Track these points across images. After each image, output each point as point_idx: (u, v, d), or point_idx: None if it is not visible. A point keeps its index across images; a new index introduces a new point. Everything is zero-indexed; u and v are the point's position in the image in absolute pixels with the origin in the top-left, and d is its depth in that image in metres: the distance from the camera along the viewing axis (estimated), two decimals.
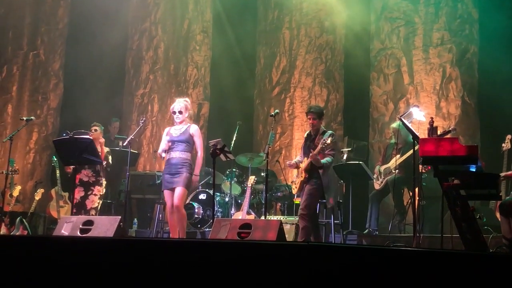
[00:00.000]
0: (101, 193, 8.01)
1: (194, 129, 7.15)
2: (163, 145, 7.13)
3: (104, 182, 8.12)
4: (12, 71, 11.05)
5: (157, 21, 11.83)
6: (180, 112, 7.13)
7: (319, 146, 6.82)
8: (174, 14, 11.81)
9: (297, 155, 10.84)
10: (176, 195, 6.87)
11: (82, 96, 11.09)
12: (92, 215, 7.60)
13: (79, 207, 7.77)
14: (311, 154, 6.90)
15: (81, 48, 11.19)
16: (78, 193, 7.83)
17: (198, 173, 7.09)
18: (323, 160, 6.90)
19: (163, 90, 11.61)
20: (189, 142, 7.06)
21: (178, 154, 7.00)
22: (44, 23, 11.36)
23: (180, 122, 7.15)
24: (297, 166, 7.24)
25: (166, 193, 7.00)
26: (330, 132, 7.08)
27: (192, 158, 7.14)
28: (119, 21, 11.41)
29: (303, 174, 7.01)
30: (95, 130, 8.19)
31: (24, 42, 11.19)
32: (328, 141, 6.71)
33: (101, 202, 8.04)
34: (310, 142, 7.13)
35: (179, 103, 7.19)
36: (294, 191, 7.40)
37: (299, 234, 7.02)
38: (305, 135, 7.38)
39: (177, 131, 7.13)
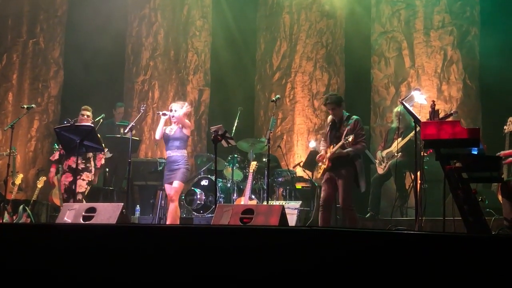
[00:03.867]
0: (89, 179, 7.88)
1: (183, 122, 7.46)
2: (159, 131, 7.46)
3: (93, 169, 7.98)
4: (12, 59, 11.03)
5: (157, 7, 11.78)
6: (176, 111, 7.43)
7: (338, 146, 6.71)
8: (174, 0, 11.75)
9: (298, 140, 10.94)
10: (172, 189, 7.29)
11: (83, 83, 11.07)
12: (78, 199, 7.52)
13: (69, 192, 7.68)
14: (331, 153, 6.78)
15: (80, 35, 11.14)
16: (67, 178, 7.76)
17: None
18: (351, 149, 6.70)
19: (163, 76, 11.59)
20: (183, 138, 7.44)
21: (174, 152, 7.39)
22: (43, 10, 11.31)
23: (174, 122, 7.46)
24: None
25: (167, 186, 7.42)
26: (354, 118, 6.87)
27: (187, 154, 7.57)
28: (118, 7, 11.35)
29: (327, 162, 6.85)
30: (87, 117, 8.05)
31: (23, 30, 11.16)
32: (350, 140, 6.63)
33: (88, 188, 7.90)
34: (335, 131, 6.93)
35: (177, 104, 7.61)
36: (318, 175, 7.33)
37: (321, 224, 6.83)
38: (329, 122, 7.12)
39: (172, 129, 7.46)
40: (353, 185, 6.89)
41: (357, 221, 6.95)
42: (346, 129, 6.74)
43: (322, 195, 6.93)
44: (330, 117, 7.13)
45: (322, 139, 7.30)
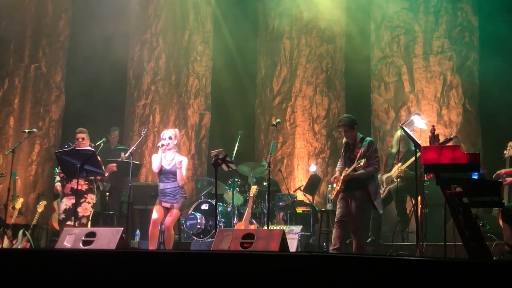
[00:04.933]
0: (94, 202, 7.74)
1: (180, 160, 7.38)
2: (156, 161, 7.39)
3: (96, 191, 7.85)
4: (14, 83, 11.09)
5: (158, 32, 11.87)
6: (170, 138, 7.41)
7: (351, 169, 6.73)
8: (175, 25, 11.85)
9: (299, 164, 10.94)
10: (170, 217, 7.26)
11: (84, 108, 11.10)
12: (83, 223, 7.44)
13: (70, 214, 7.49)
14: (345, 175, 6.81)
15: (82, 59, 11.21)
16: (70, 201, 7.55)
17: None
18: (363, 171, 6.71)
19: (164, 100, 11.64)
20: (177, 173, 7.36)
21: (170, 185, 7.36)
22: (45, 35, 11.41)
23: (169, 149, 7.40)
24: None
25: (159, 207, 7.33)
26: (368, 140, 6.88)
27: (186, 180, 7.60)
28: (120, 32, 11.44)
29: (340, 184, 6.87)
30: (83, 139, 7.91)
31: (25, 54, 11.24)
32: (362, 163, 6.62)
33: (92, 211, 7.77)
34: (350, 153, 6.96)
35: (169, 131, 7.57)
36: (332, 196, 7.34)
37: (335, 241, 6.80)
38: (344, 144, 7.18)
39: (167, 161, 7.40)
40: (369, 207, 6.91)
41: (363, 246, 6.92)
42: (360, 151, 6.77)
43: (337, 212, 6.95)
44: (344, 139, 7.17)
45: (339, 160, 7.31)
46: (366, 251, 6.99)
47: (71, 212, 7.48)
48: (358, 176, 6.75)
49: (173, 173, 7.32)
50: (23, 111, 11.06)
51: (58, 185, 7.93)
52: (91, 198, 7.67)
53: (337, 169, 7.24)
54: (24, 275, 3.92)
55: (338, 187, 6.90)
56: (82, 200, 7.51)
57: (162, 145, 7.32)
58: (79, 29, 11.57)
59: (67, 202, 7.60)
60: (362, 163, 6.63)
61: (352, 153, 6.90)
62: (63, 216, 7.58)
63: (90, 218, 7.71)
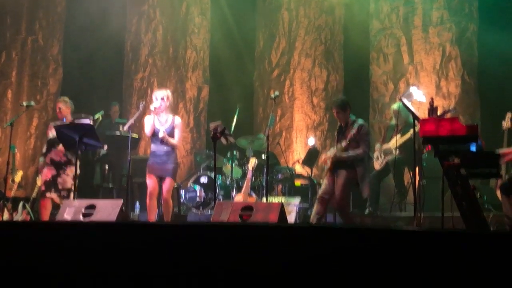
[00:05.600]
0: (74, 173, 7.47)
1: (178, 122, 7.29)
2: (149, 124, 7.23)
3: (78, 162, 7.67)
4: (11, 56, 11.04)
5: (156, 4, 11.78)
6: (162, 99, 7.24)
7: (337, 152, 6.76)
8: None
9: (297, 137, 10.95)
10: (165, 187, 7.16)
11: (82, 81, 11.07)
12: (64, 196, 7.42)
13: (50, 186, 7.53)
14: (332, 156, 6.83)
15: (79, 32, 11.14)
16: (50, 172, 7.57)
17: (173, 142, 7.18)
18: (351, 153, 6.75)
19: (162, 73, 11.60)
20: (173, 134, 7.25)
21: (163, 148, 7.20)
22: (42, 7, 11.32)
23: (162, 110, 7.24)
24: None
25: (151, 179, 7.19)
26: (359, 123, 6.84)
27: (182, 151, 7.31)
28: (117, 4, 11.34)
29: (329, 165, 6.88)
30: (60, 109, 7.80)
31: (22, 27, 11.17)
32: (343, 144, 6.68)
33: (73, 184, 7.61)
34: (341, 135, 6.99)
35: (161, 92, 7.37)
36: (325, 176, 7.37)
37: (314, 218, 6.87)
38: (338, 126, 7.20)
39: (160, 123, 7.25)
40: (355, 189, 6.94)
41: (350, 221, 6.97)
42: (351, 133, 6.76)
43: (321, 188, 6.99)
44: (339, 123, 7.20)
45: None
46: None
47: (51, 184, 7.48)
48: (346, 158, 6.77)
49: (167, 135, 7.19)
50: (21, 84, 11.03)
51: (42, 161, 7.93)
52: (71, 170, 7.55)
53: (329, 151, 7.25)
54: (25, 247, 3.95)
55: (328, 166, 6.93)
56: (60, 171, 7.47)
57: (155, 108, 7.16)
58: (75, 1, 11.46)
59: (46, 173, 7.57)
60: (343, 144, 6.66)
61: (343, 135, 6.91)
62: (43, 188, 7.58)
63: (72, 191, 7.54)
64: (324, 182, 6.96)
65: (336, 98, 7.35)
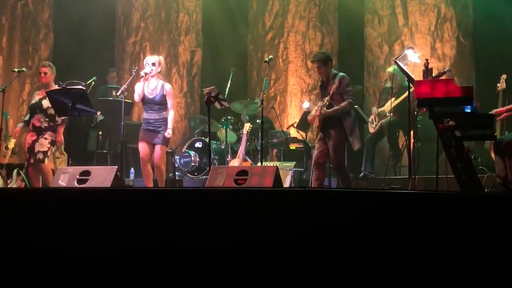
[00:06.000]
0: (53, 139, 7.50)
1: (167, 88, 7.16)
2: (139, 90, 7.14)
3: (58, 128, 7.58)
4: (1, 22, 10.87)
5: None
6: (154, 64, 7.11)
7: (321, 108, 6.67)
8: None
9: (292, 101, 10.91)
10: (156, 155, 7.09)
11: (73, 46, 10.93)
12: (39, 159, 7.32)
13: (30, 151, 7.43)
14: (318, 114, 6.74)
15: None
16: (31, 138, 7.46)
17: (170, 129, 7.12)
18: (337, 107, 6.66)
19: (154, 37, 11.47)
20: (163, 102, 7.14)
21: (154, 116, 7.12)
22: None
23: (152, 76, 7.12)
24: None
25: (143, 144, 7.13)
26: (340, 76, 6.78)
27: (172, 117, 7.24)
28: None
29: (317, 122, 6.81)
30: (45, 73, 7.60)
31: None
32: (326, 102, 6.59)
33: (52, 148, 7.56)
34: (324, 90, 6.91)
35: (153, 57, 7.24)
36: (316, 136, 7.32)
37: (314, 183, 6.81)
38: (320, 82, 7.13)
39: (151, 90, 7.13)
40: (346, 144, 6.91)
41: (350, 181, 6.98)
42: (333, 87, 6.71)
43: (315, 154, 6.96)
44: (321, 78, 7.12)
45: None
46: (351, 184, 7.03)
47: (31, 150, 7.40)
48: (333, 113, 6.69)
49: (156, 103, 7.11)
50: (12, 50, 10.89)
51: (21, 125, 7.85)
52: (49, 135, 7.46)
53: (315, 108, 7.18)
54: (20, 214, 3.95)
55: (317, 125, 6.87)
56: (40, 136, 7.40)
57: (146, 73, 7.05)
58: None
59: (28, 140, 7.49)
60: (326, 101, 6.62)
61: (326, 90, 6.84)
62: (27, 155, 7.49)
63: (48, 155, 7.52)
64: (317, 147, 6.93)
65: (317, 52, 7.26)
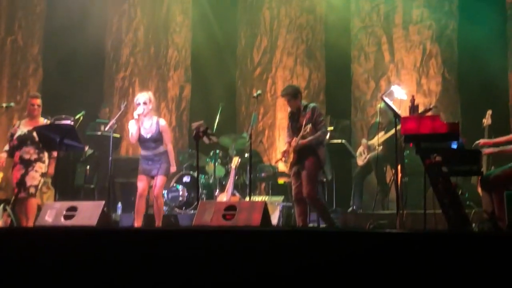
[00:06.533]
0: (43, 171, 7.43)
1: (163, 124, 7.17)
2: (134, 131, 7.08)
3: (46, 160, 7.49)
4: None
5: (136, 3, 11.72)
6: (145, 103, 7.08)
7: (299, 137, 6.72)
8: None
9: (280, 135, 10.95)
10: (157, 184, 7.02)
11: (62, 81, 10.94)
12: (32, 193, 7.24)
13: (20, 186, 7.27)
14: (294, 145, 6.78)
15: (59, 31, 11.02)
16: (19, 172, 7.32)
17: (174, 163, 7.12)
18: (312, 137, 6.70)
19: (144, 73, 11.54)
20: (159, 139, 7.13)
21: (152, 151, 7.10)
22: (21, 7, 11.18)
23: (145, 115, 7.09)
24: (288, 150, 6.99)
25: (142, 178, 7.08)
26: (311, 106, 6.85)
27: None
28: (97, 3, 11.26)
29: (292, 155, 6.84)
30: (38, 106, 7.59)
31: (1, 27, 11.03)
32: (308, 130, 6.63)
33: (42, 180, 7.49)
34: (295, 122, 6.96)
35: (143, 95, 7.18)
36: (286, 169, 7.31)
37: (298, 219, 6.85)
38: (289, 114, 7.18)
39: (146, 129, 7.11)
40: (319, 174, 6.94)
41: (326, 209, 6.95)
42: (305, 118, 6.75)
43: (293, 190, 6.95)
44: (289, 109, 7.16)
45: (286, 132, 7.26)
46: (329, 215, 7.00)
47: (21, 184, 7.25)
48: (308, 143, 6.73)
49: (154, 140, 7.09)
50: (0, 84, 10.89)
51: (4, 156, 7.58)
52: (39, 166, 7.37)
53: (285, 141, 7.21)
54: (5, 252, 3.91)
55: (290, 160, 6.87)
56: (30, 169, 7.29)
57: (139, 115, 7.02)
58: (55, 1, 11.34)
59: (16, 174, 7.34)
60: (308, 129, 6.64)
61: (298, 122, 6.89)
62: (15, 190, 7.32)
63: (40, 188, 7.44)
64: (293, 182, 6.92)
65: (286, 86, 7.35)
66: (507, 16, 9.11)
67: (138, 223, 7.01)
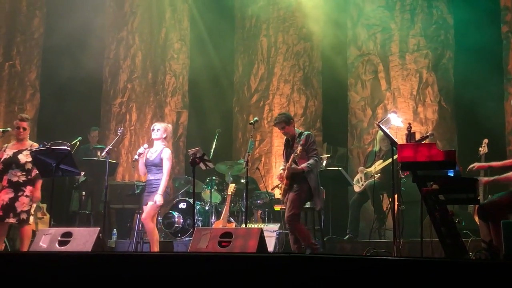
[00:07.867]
0: (32, 194, 7.15)
1: (165, 153, 7.30)
2: (140, 165, 7.36)
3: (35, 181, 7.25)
4: None
5: (134, 30, 11.79)
6: (159, 130, 7.37)
7: (290, 161, 6.75)
8: (151, 23, 11.79)
9: (276, 162, 10.95)
10: (145, 210, 7.18)
11: (59, 106, 10.96)
12: (23, 219, 7.00)
13: (8, 210, 7.00)
14: (287, 167, 6.84)
15: (57, 58, 11.08)
16: (7, 194, 7.04)
17: (162, 193, 7.14)
18: (305, 164, 6.76)
19: (141, 99, 11.57)
20: (160, 164, 7.27)
21: (153, 177, 7.28)
22: (20, 32, 11.24)
23: (156, 139, 7.36)
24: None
25: (144, 208, 7.27)
26: (305, 133, 6.94)
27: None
28: (95, 29, 11.34)
29: (285, 181, 6.87)
30: (24, 129, 7.40)
31: None
32: (298, 151, 6.67)
33: (35, 205, 7.27)
34: (289, 149, 7.02)
35: (160, 124, 7.53)
36: (281, 196, 7.33)
37: (293, 247, 6.86)
38: (284, 141, 7.25)
39: (152, 154, 7.34)
40: (306, 201, 6.95)
41: (306, 232, 6.89)
42: (299, 145, 6.78)
43: (285, 218, 6.92)
44: (285, 138, 7.23)
45: (282, 159, 7.31)
46: (310, 236, 6.97)
47: (9, 208, 7.01)
48: (301, 169, 6.76)
49: (155, 165, 7.23)
50: None
51: None
52: (30, 190, 7.14)
53: (281, 168, 7.24)
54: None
55: (285, 186, 6.89)
56: (19, 194, 7.06)
57: (139, 154, 7.26)
58: (54, 27, 11.41)
59: (3, 197, 7.08)
60: (298, 151, 6.65)
61: (292, 149, 6.94)
62: (0, 213, 7.02)
63: (32, 213, 7.21)
64: (285, 209, 6.94)
65: (278, 114, 7.39)
66: (503, 45, 9.18)
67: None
